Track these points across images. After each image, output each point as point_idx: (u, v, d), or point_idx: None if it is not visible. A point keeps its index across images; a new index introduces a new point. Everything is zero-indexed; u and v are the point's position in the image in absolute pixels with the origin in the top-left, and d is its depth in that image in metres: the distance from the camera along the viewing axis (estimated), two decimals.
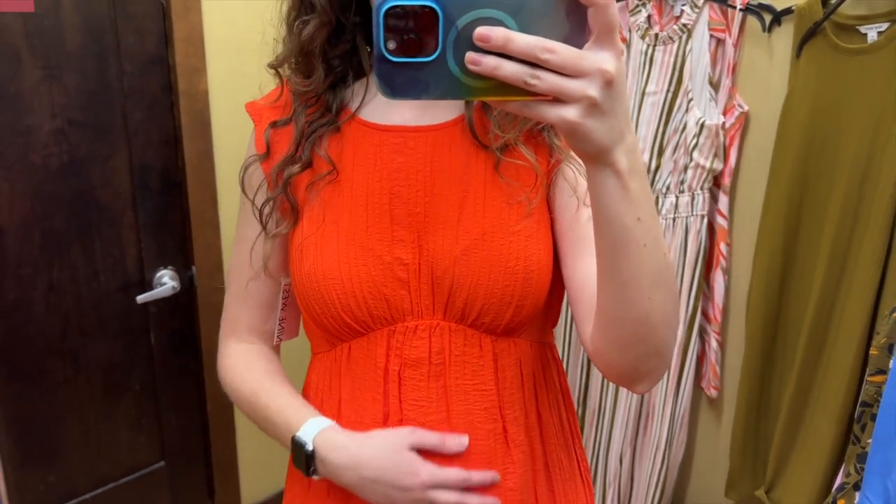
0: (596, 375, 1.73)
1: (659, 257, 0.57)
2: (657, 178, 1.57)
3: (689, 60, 1.51)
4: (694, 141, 1.51)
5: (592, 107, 0.47)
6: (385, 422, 0.72)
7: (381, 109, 0.75)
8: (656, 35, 1.54)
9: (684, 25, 1.50)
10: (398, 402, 0.72)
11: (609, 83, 0.47)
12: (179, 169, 1.64)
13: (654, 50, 1.55)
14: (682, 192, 1.54)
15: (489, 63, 0.45)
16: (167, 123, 1.61)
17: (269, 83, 1.83)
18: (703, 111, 1.50)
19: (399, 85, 0.47)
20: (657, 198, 1.57)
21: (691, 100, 1.51)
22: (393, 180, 0.72)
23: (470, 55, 0.45)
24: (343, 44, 0.76)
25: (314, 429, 0.74)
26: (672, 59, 1.53)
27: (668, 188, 1.56)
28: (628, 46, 1.59)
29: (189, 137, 1.63)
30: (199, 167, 1.66)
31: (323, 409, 0.77)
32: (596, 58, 0.46)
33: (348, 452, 0.71)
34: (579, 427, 0.93)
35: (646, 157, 1.57)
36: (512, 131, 0.70)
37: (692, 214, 1.54)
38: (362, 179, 0.73)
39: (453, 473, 0.70)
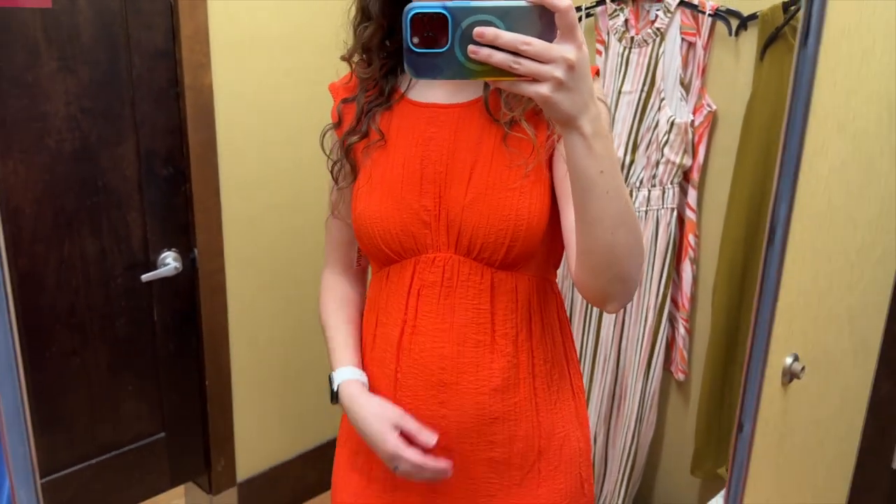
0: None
1: (620, 202, 0.74)
2: (631, 172, 1.66)
3: (662, 62, 1.60)
4: (665, 138, 1.60)
5: (559, 84, 0.64)
6: (402, 327, 0.94)
7: (422, 91, 0.96)
8: (632, 38, 1.63)
9: (658, 29, 1.59)
10: (415, 313, 0.93)
11: (571, 67, 0.63)
12: (184, 157, 1.75)
13: (630, 52, 1.64)
14: (653, 186, 1.64)
15: (484, 52, 0.63)
16: (173, 114, 1.72)
17: (271, 79, 1.97)
18: (674, 110, 1.59)
19: (421, 69, 0.65)
20: (631, 191, 1.66)
21: (663, 99, 1.60)
22: (425, 146, 0.93)
23: (471, 47, 0.63)
24: (394, 42, 0.95)
25: (343, 376, 0.99)
26: (646, 61, 1.62)
27: (640, 182, 1.65)
28: (606, 48, 1.68)
29: (193, 128, 1.74)
30: (202, 156, 1.77)
31: (370, 315, 1.01)
32: (561, 49, 0.63)
33: (354, 407, 0.96)
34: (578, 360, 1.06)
35: (620, 153, 1.66)
36: (517, 110, 0.89)
37: (663, 207, 1.63)
38: (403, 145, 0.94)
39: (411, 454, 0.90)
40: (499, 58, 0.63)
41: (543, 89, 0.64)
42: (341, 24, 1.04)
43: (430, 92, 0.95)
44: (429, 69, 0.65)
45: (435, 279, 0.92)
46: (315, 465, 2.22)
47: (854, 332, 1.57)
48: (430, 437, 0.91)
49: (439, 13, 0.63)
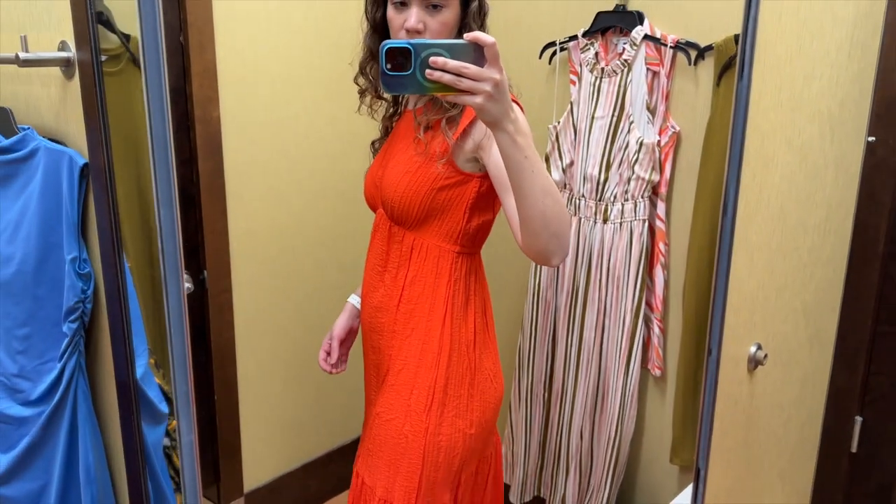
0: (559, 362, 1.98)
1: (543, 178, 1.05)
2: (606, 188, 1.83)
3: (630, 89, 1.78)
4: (635, 157, 1.78)
5: (489, 97, 0.94)
6: (372, 254, 1.37)
7: (410, 102, 1.37)
8: (602, 69, 1.82)
9: (625, 60, 1.78)
10: (369, 247, 1.38)
11: (497, 85, 0.94)
12: (194, 184, 1.89)
13: (600, 81, 1.82)
14: (626, 199, 1.81)
15: (437, 75, 0.92)
16: (184, 145, 1.86)
17: (274, 111, 2.14)
18: (642, 132, 1.77)
19: (392, 86, 0.94)
20: (606, 206, 1.83)
21: (632, 122, 1.78)
22: (395, 135, 1.35)
23: (427, 71, 0.92)
24: None
25: (351, 298, 1.55)
26: (616, 89, 1.80)
27: (615, 197, 1.82)
28: (579, 78, 1.86)
29: (203, 158, 1.88)
30: (211, 184, 1.91)
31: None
32: (489, 72, 0.93)
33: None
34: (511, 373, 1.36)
35: (595, 171, 1.84)
36: (423, 120, 1.25)
37: (636, 219, 1.81)
38: (391, 137, 1.37)
39: (321, 355, 1.51)
40: (447, 78, 0.92)
41: (478, 100, 0.94)
42: (338, 59, 1.34)
43: (408, 104, 1.37)
44: (398, 86, 0.94)
45: (376, 225, 1.35)
46: (317, 475, 2.32)
47: (809, 325, 1.74)
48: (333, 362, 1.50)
49: (405, 47, 0.92)
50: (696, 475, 1.19)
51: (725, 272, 1.19)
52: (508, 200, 1.16)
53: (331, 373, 1.51)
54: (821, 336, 1.83)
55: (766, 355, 1.46)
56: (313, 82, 2.05)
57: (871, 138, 1.80)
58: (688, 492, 1.72)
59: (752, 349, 1.45)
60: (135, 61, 1.56)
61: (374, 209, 1.39)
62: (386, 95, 1.36)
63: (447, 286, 1.28)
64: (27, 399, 1.24)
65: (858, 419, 1.95)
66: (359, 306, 1.50)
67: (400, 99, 1.39)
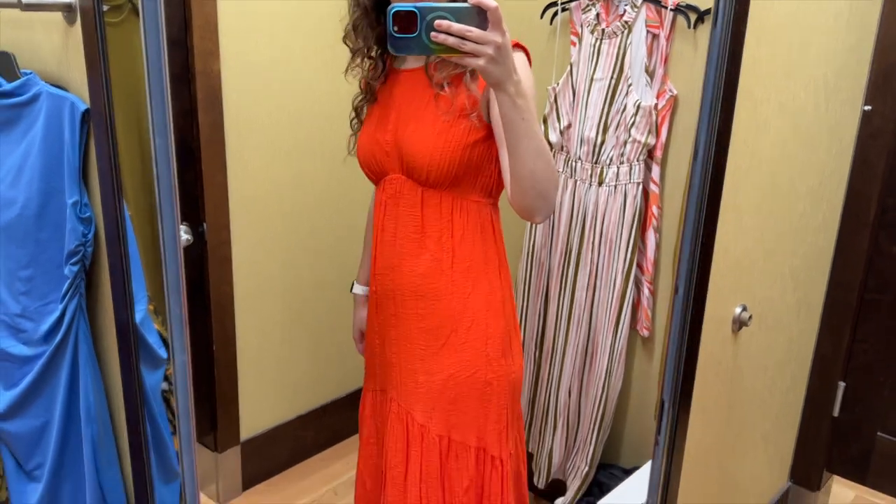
0: (550, 321, 2.02)
1: (537, 140, 1.08)
2: (602, 151, 1.85)
3: (629, 52, 1.79)
4: (632, 120, 1.79)
5: (491, 59, 0.98)
6: (378, 229, 1.31)
7: (399, 63, 1.31)
8: (603, 30, 1.82)
9: (626, 22, 1.78)
10: (382, 218, 1.30)
11: (499, 48, 0.97)
12: (194, 138, 1.90)
13: (601, 43, 1.83)
14: (622, 162, 1.83)
15: (441, 37, 0.96)
16: (184, 97, 1.87)
17: (275, 65, 2.14)
18: (640, 94, 1.78)
19: (399, 47, 0.98)
20: (602, 168, 1.85)
21: (630, 85, 1.79)
22: (391, 101, 1.28)
23: (433, 33, 0.95)
24: (380, 30, 1.28)
25: (355, 290, 1.56)
26: (615, 51, 1.81)
27: (611, 159, 1.84)
28: (580, 39, 1.87)
29: (203, 111, 1.89)
30: (211, 137, 1.93)
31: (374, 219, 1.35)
32: (492, 35, 0.96)
33: (354, 311, 1.57)
34: (514, 301, 1.38)
35: (592, 134, 1.85)
36: (443, 76, 1.21)
37: (630, 182, 1.83)
38: (382, 101, 1.30)
39: (359, 348, 1.56)
40: (451, 41, 0.96)
41: (480, 62, 0.98)
42: (342, 15, 1.30)
43: (401, 63, 1.31)
44: (404, 47, 0.98)
45: (391, 193, 1.28)
46: (312, 426, 2.38)
47: (797, 290, 1.77)
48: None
49: (411, 10, 0.95)
50: (661, 409, 1.24)
51: (695, 212, 1.22)
52: (504, 154, 1.19)
53: None
54: (808, 301, 1.86)
55: (750, 317, 1.50)
56: (316, 39, 2.05)
57: (867, 107, 1.81)
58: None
59: (737, 310, 1.49)
60: (136, 12, 1.56)
61: (379, 177, 1.30)
62: (373, 54, 1.31)
63: (493, 238, 1.30)
64: (30, 339, 1.28)
65: (842, 384, 2.00)
66: (366, 294, 1.49)
67: (387, 61, 1.32)
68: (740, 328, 1.51)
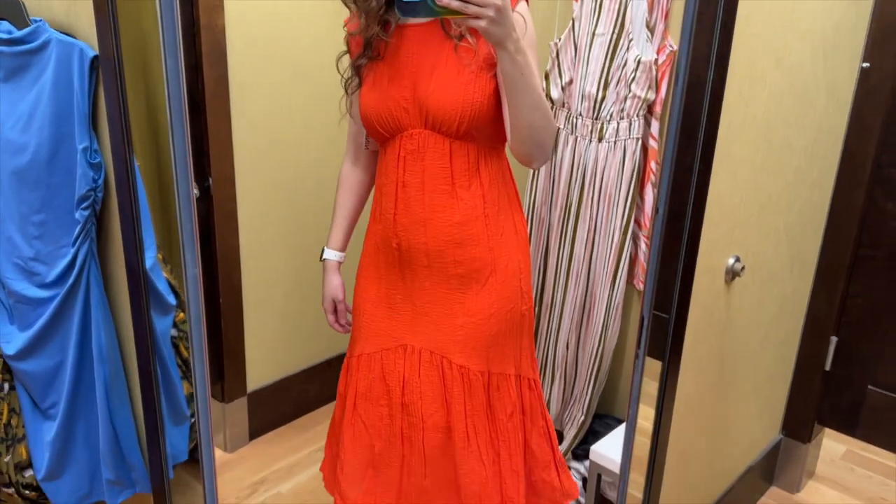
0: (550, 276, 2.06)
1: (535, 94, 1.16)
2: (603, 107, 1.87)
3: (630, 7, 1.80)
4: (633, 75, 1.81)
5: (492, 21, 1.06)
6: (396, 184, 1.31)
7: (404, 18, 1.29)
8: None
9: None
10: (403, 173, 1.30)
11: (499, 10, 1.06)
12: (199, 92, 1.93)
13: None
14: (622, 118, 1.85)
15: (445, 1, 1.04)
16: (190, 53, 1.89)
17: (279, 20, 2.15)
18: (641, 50, 1.80)
19: (406, 11, 1.06)
20: (602, 124, 1.87)
21: (631, 40, 1.80)
22: (403, 56, 1.28)
23: None
24: None
25: (326, 255, 1.53)
26: (617, 6, 1.82)
27: (611, 115, 1.86)
28: None
29: (208, 65, 1.91)
30: (215, 91, 1.95)
31: (380, 177, 1.36)
32: None
33: (324, 278, 1.54)
34: (530, 259, 1.44)
35: (593, 90, 1.87)
36: (462, 27, 1.24)
37: (630, 137, 1.85)
38: (390, 58, 1.30)
39: (330, 319, 1.56)
40: (455, 5, 1.05)
41: (482, 23, 1.06)
42: None
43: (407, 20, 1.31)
44: (410, 11, 1.06)
45: (413, 148, 1.28)
46: (317, 379, 2.44)
47: (791, 246, 1.81)
48: (342, 325, 1.56)
49: None
50: (637, 348, 1.29)
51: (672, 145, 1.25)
52: (506, 105, 1.24)
53: (344, 331, 1.55)
54: (802, 258, 1.89)
55: (743, 267, 1.53)
56: None
57: (865, 64, 1.82)
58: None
59: (730, 261, 1.52)
60: None
61: (393, 134, 1.30)
62: (380, 12, 1.28)
63: (511, 180, 1.38)
64: (43, 281, 1.32)
65: (834, 339, 2.04)
66: (341, 259, 1.52)
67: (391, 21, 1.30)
68: (733, 279, 1.54)
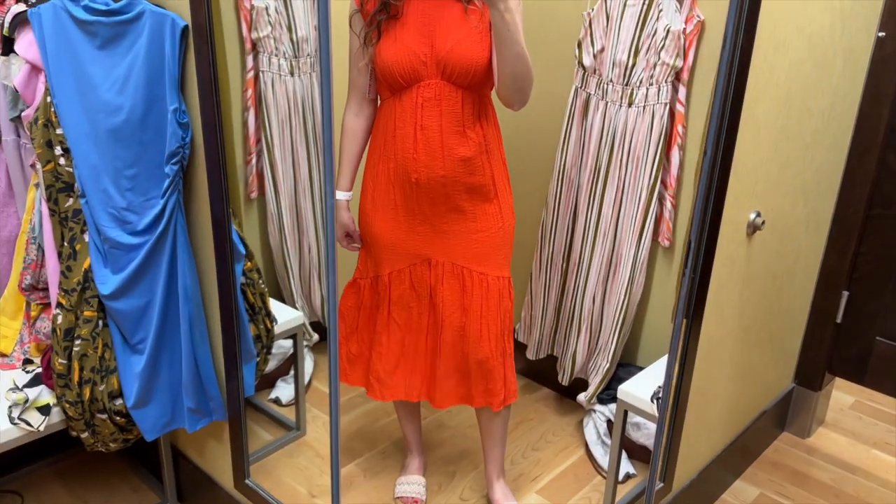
0: (578, 234, 2.20)
1: (518, 47, 1.41)
2: (633, 73, 1.99)
3: None
4: (662, 43, 1.93)
5: None
6: (415, 126, 1.53)
7: None
8: None
9: None
10: (421, 118, 1.53)
11: None
12: None
13: None
14: (651, 84, 1.97)
15: None
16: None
17: None
18: (670, 19, 1.92)
19: None
20: (632, 90, 2.00)
21: (661, 10, 1.92)
22: (421, 15, 1.50)
23: None
24: None
25: (338, 195, 1.70)
26: None
27: (641, 81, 1.99)
28: None
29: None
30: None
31: (387, 124, 1.58)
32: None
33: (336, 214, 1.68)
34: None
35: (624, 57, 1.99)
36: None
37: (658, 102, 1.97)
38: (411, 14, 1.51)
39: (345, 242, 1.75)
40: None
41: None
42: None
43: None
44: None
45: (430, 95, 1.52)
46: None
47: (808, 204, 1.94)
48: (356, 240, 1.75)
49: None
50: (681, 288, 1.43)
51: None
52: (494, 57, 1.50)
53: (358, 248, 1.79)
54: (817, 216, 2.03)
55: (763, 222, 1.67)
56: None
57: (881, 33, 1.94)
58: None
59: (752, 216, 1.66)
60: None
61: (409, 83, 1.51)
62: None
63: (497, 122, 1.63)
64: (134, 229, 1.48)
65: (845, 293, 2.18)
66: (349, 198, 1.72)
67: None
68: (754, 232, 1.68)
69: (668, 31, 1.91)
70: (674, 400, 1.65)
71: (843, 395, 2.57)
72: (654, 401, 1.75)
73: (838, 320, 2.21)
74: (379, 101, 1.65)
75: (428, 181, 1.56)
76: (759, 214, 1.66)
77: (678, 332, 1.60)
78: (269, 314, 1.87)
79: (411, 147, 1.55)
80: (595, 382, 2.24)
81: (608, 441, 2.05)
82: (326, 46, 0.94)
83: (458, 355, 1.70)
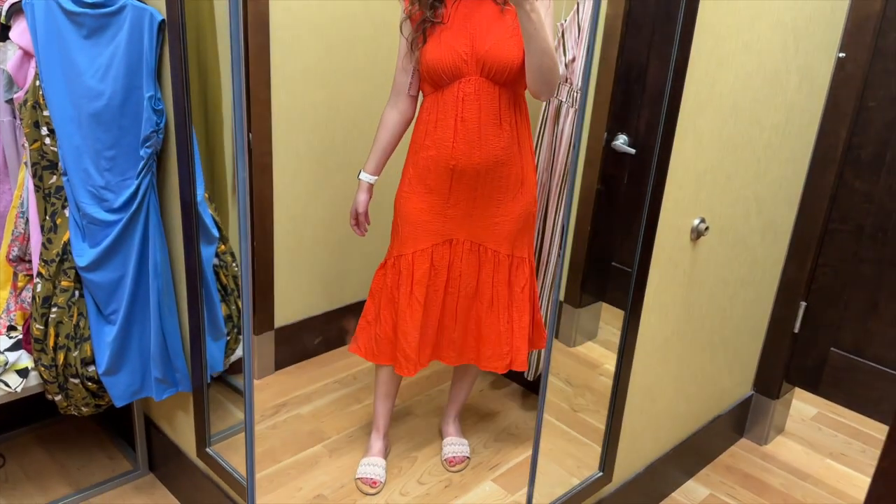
0: (546, 237, 2.29)
1: (544, 43, 1.58)
2: None
3: None
4: None
5: None
6: (455, 118, 1.72)
7: None
8: None
9: None
10: (462, 111, 1.71)
11: None
12: (243, 58, 2.18)
13: None
14: None
15: None
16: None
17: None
18: None
19: None
20: None
21: None
22: (463, 18, 1.68)
23: None
24: None
25: (363, 177, 1.92)
26: None
27: None
28: None
29: (252, 33, 2.16)
30: (257, 57, 2.20)
31: (430, 117, 1.76)
32: None
33: (357, 194, 1.88)
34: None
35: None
36: None
37: None
38: (453, 17, 1.69)
39: (352, 223, 1.98)
40: None
41: None
42: None
43: None
44: None
45: (471, 91, 1.70)
46: (337, 322, 2.71)
47: (763, 215, 2.01)
48: (363, 225, 1.97)
49: None
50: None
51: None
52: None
53: (362, 235, 2.01)
54: (775, 227, 2.10)
55: (707, 228, 1.75)
56: None
57: (841, 54, 2.01)
58: None
59: (696, 221, 1.74)
60: None
61: (452, 79, 1.69)
62: None
63: (528, 118, 1.81)
64: (111, 207, 1.59)
65: (803, 304, 2.24)
66: (373, 182, 1.91)
67: None
68: (698, 238, 1.76)
69: None
70: (612, 390, 1.73)
71: (805, 405, 2.62)
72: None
73: (796, 330, 2.27)
74: (420, 98, 1.81)
75: (464, 169, 1.74)
76: (702, 220, 1.74)
77: (625, 329, 1.69)
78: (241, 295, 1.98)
79: (451, 137, 1.72)
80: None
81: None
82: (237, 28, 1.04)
83: (472, 321, 1.91)
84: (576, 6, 2.12)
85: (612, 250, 2.17)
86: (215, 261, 1.84)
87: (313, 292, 2.62)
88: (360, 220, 1.96)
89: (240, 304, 1.99)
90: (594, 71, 1.88)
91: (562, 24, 2.16)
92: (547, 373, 1.58)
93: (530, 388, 2.51)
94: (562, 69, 2.18)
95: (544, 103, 2.24)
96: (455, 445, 2.16)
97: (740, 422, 2.40)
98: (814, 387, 2.30)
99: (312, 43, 2.30)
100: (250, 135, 2.27)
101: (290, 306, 2.56)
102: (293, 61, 2.28)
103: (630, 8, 1.97)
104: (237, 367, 2.35)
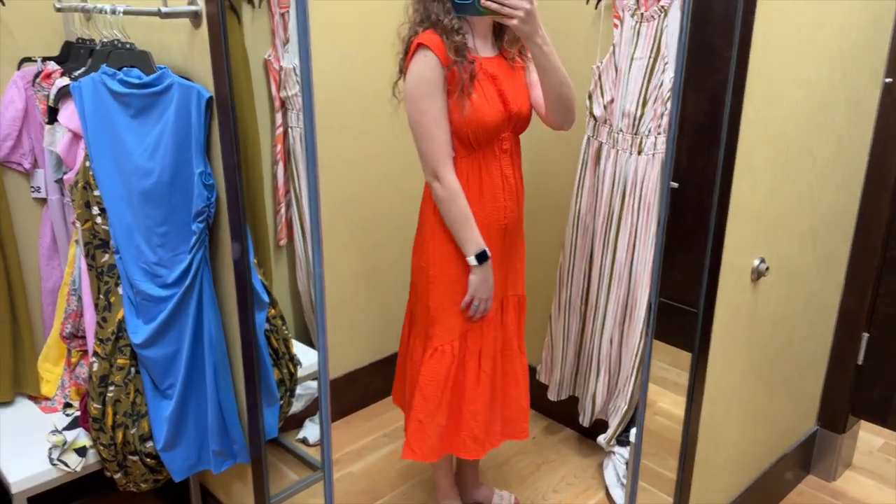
0: (594, 279, 2.25)
1: (560, 73, 1.63)
2: (641, 122, 2.06)
3: (665, 33, 1.98)
4: (668, 94, 1.99)
5: (522, 20, 1.52)
6: (501, 173, 1.75)
7: (479, 53, 1.70)
8: (642, 14, 2.02)
9: (662, 7, 1.98)
10: (504, 166, 1.75)
11: (528, 12, 1.51)
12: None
13: (640, 25, 2.03)
14: (659, 133, 2.03)
15: (488, 4, 1.51)
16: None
17: (344, 63, 2.37)
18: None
19: (459, 10, 1.55)
20: (641, 139, 2.06)
21: (667, 63, 1.99)
22: (490, 78, 1.68)
23: (482, 1, 1.51)
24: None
25: (486, 251, 1.75)
26: (653, 33, 2.01)
27: (649, 130, 2.05)
28: (622, 22, 2.07)
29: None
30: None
31: (471, 179, 1.72)
32: (522, 2, 1.51)
33: (483, 276, 1.76)
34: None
35: (633, 108, 2.06)
36: (513, 52, 1.74)
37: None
38: (485, 80, 1.67)
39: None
40: (494, 6, 1.50)
41: (514, 21, 1.51)
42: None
43: (483, 52, 1.71)
44: (462, 10, 1.53)
45: (508, 147, 1.74)
46: (380, 373, 2.68)
47: (818, 247, 1.96)
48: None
49: None
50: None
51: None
52: (536, 92, 1.75)
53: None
54: (830, 259, 2.04)
55: (767, 268, 1.70)
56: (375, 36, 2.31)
57: (888, 79, 1.97)
58: None
59: (756, 262, 1.69)
60: (234, 11, 1.84)
61: (494, 136, 1.70)
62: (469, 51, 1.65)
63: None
64: (164, 282, 1.59)
65: (865, 335, 2.17)
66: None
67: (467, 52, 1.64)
68: (758, 278, 1.71)
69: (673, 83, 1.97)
70: (682, 445, 1.68)
71: (872, 436, 2.53)
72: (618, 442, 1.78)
73: (859, 362, 2.20)
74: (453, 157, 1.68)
75: (511, 224, 1.80)
76: (762, 260, 1.70)
77: (693, 377, 1.64)
78: (292, 358, 1.96)
79: (501, 196, 1.75)
80: (614, 424, 2.27)
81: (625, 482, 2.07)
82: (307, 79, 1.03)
83: (510, 367, 1.90)
84: (611, 48, 2.11)
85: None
86: (266, 325, 1.83)
87: (356, 345, 2.60)
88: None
89: (291, 366, 1.97)
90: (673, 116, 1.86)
91: (598, 66, 2.15)
92: (640, 438, 1.53)
93: (586, 433, 2.45)
94: (600, 111, 2.16)
95: (584, 145, 2.22)
96: (504, 499, 2.17)
97: (806, 458, 2.32)
98: (882, 419, 2.22)
99: (349, 100, 2.31)
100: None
101: (333, 361, 2.54)
102: (331, 119, 2.29)
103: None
104: (286, 426, 2.32)
